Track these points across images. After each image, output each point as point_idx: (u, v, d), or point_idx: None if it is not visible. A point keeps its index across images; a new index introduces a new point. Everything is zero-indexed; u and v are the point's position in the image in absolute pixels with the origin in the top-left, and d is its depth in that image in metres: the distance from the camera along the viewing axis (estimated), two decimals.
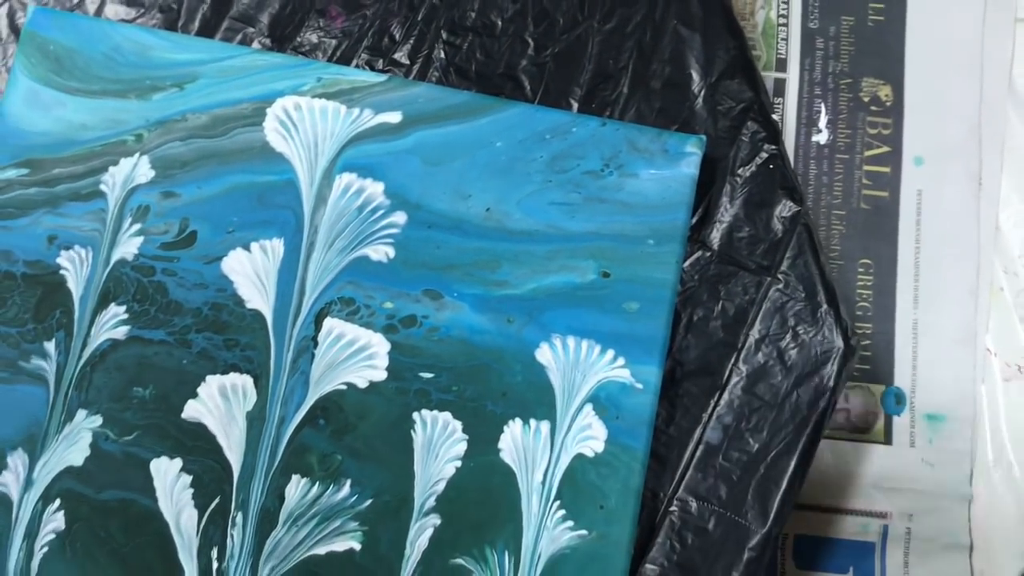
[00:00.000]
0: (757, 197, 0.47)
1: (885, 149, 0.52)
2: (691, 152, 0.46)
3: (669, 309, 0.44)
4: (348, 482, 0.43)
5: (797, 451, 0.45)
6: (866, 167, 0.52)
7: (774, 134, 0.48)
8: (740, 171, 0.48)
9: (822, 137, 0.52)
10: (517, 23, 0.49)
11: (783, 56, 0.53)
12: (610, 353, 0.44)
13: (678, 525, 0.45)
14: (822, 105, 0.52)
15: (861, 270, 0.51)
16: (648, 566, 0.45)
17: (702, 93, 0.48)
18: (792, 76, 0.53)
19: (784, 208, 0.47)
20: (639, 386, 0.44)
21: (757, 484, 0.45)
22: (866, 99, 0.52)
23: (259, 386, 0.44)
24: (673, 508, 0.45)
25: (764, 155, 0.48)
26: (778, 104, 0.52)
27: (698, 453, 0.45)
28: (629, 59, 0.49)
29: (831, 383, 0.46)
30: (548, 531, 0.43)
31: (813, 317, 0.46)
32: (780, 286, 0.46)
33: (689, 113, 0.48)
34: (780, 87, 0.53)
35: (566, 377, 0.44)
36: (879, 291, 0.51)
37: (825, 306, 0.46)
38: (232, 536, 0.43)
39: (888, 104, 0.52)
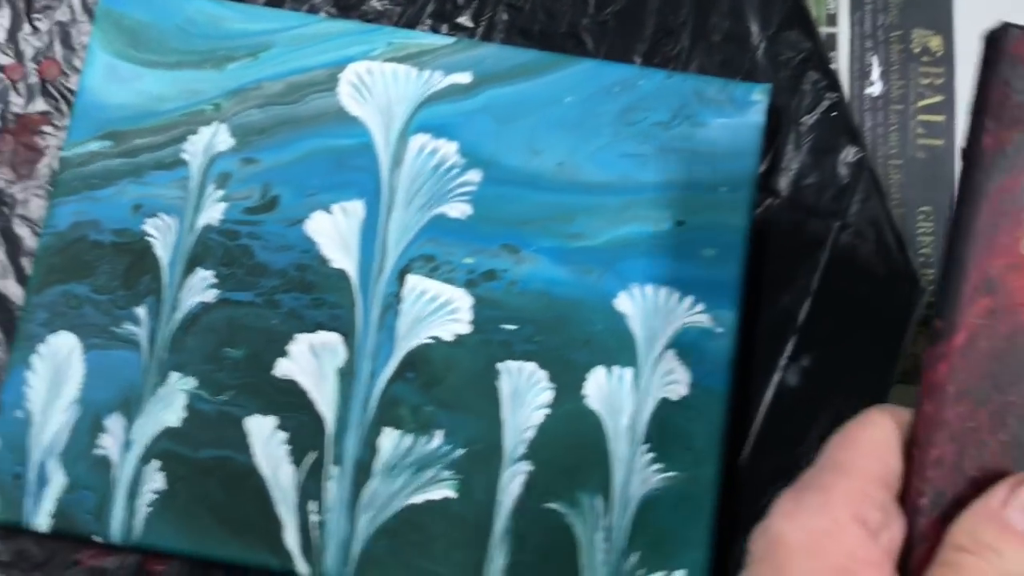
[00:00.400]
0: (822, 144, 0.48)
1: (938, 98, 0.53)
2: (758, 100, 0.47)
3: (744, 254, 0.46)
4: (440, 432, 0.44)
5: (871, 393, 0.46)
6: (920, 117, 0.53)
7: (834, 83, 0.49)
8: (804, 119, 0.49)
9: (875, 89, 0.53)
10: None
11: (833, 11, 0.54)
12: (688, 299, 0.45)
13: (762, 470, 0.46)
14: (874, 58, 0.53)
15: (921, 217, 0.52)
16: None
17: (762, 45, 0.49)
18: (843, 30, 0.54)
19: (848, 154, 0.48)
20: (719, 330, 0.45)
21: (835, 427, 0.46)
22: (917, 50, 0.53)
23: (348, 343, 0.45)
24: (755, 453, 0.46)
25: (826, 103, 0.49)
26: (831, 58, 0.53)
27: (777, 396, 0.46)
28: (689, 14, 0.50)
29: (903, 326, 0.47)
30: (638, 474, 0.44)
31: (883, 260, 0.47)
32: (849, 230, 0.48)
33: (751, 65, 0.49)
34: (831, 42, 0.53)
35: (646, 324, 0.45)
36: (941, 237, 0.51)
37: (894, 249, 0.47)
38: (329, 489, 0.44)
39: (939, 54, 0.53)
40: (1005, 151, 0.32)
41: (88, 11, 0.50)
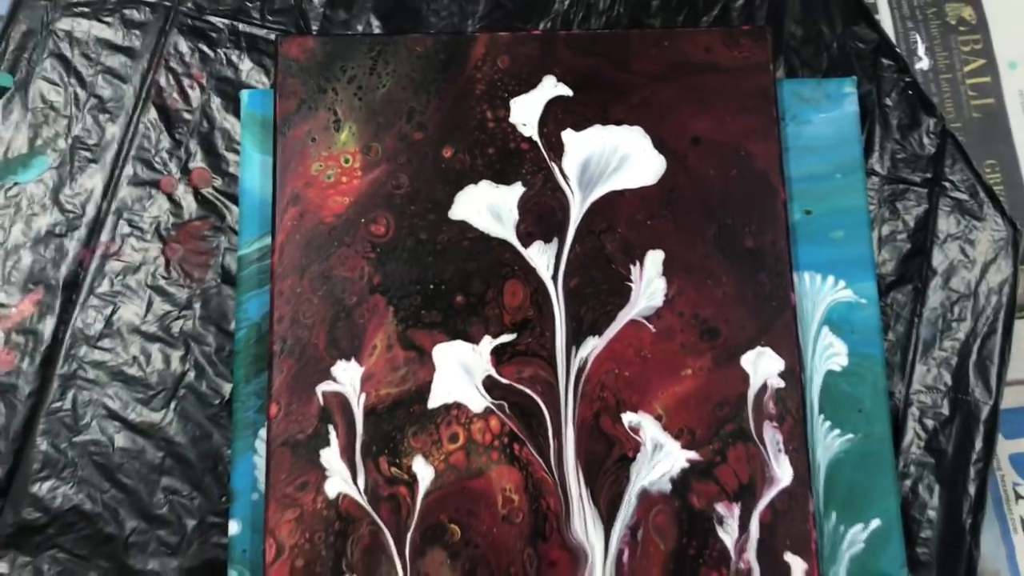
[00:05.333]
0: (906, 120, 0.56)
1: (981, 62, 0.60)
2: (849, 92, 0.54)
3: (869, 230, 0.52)
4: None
5: (999, 330, 0.53)
6: (968, 81, 0.60)
7: (904, 65, 0.56)
8: (886, 101, 0.56)
9: (924, 64, 0.60)
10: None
11: (872, 0, 0.61)
12: (831, 279, 0.52)
13: (918, 415, 0.52)
14: (917, 35, 0.60)
15: (988, 169, 0.59)
16: (903, 456, 0.52)
17: (834, 43, 0.57)
18: (884, 15, 0.61)
19: (929, 125, 0.55)
20: (863, 301, 0.52)
21: (975, 365, 0.53)
22: (953, 21, 0.61)
23: None
24: (911, 402, 0.53)
25: (902, 84, 0.56)
26: None
27: (918, 351, 0.53)
28: (766, 25, 0.56)
29: (1011, 266, 0.54)
30: (821, 442, 0.50)
31: (981, 212, 0.54)
32: (947, 192, 0.55)
33: (829, 62, 0.56)
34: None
35: (799, 307, 0.51)
36: (1009, 185, 0.59)
37: (987, 202, 0.54)
38: None
39: (973, 22, 0.61)
40: (289, 114, 0.52)
41: (225, 119, 0.55)
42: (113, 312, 0.53)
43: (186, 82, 0.56)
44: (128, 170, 0.55)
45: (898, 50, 0.58)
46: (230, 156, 0.55)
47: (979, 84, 0.60)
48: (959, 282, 0.54)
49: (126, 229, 0.54)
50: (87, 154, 0.55)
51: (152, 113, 0.56)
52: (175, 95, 0.56)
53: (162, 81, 0.56)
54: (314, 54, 0.53)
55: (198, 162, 0.55)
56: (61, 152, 0.55)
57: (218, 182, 0.55)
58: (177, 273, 0.54)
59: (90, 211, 0.55)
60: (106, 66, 0.56)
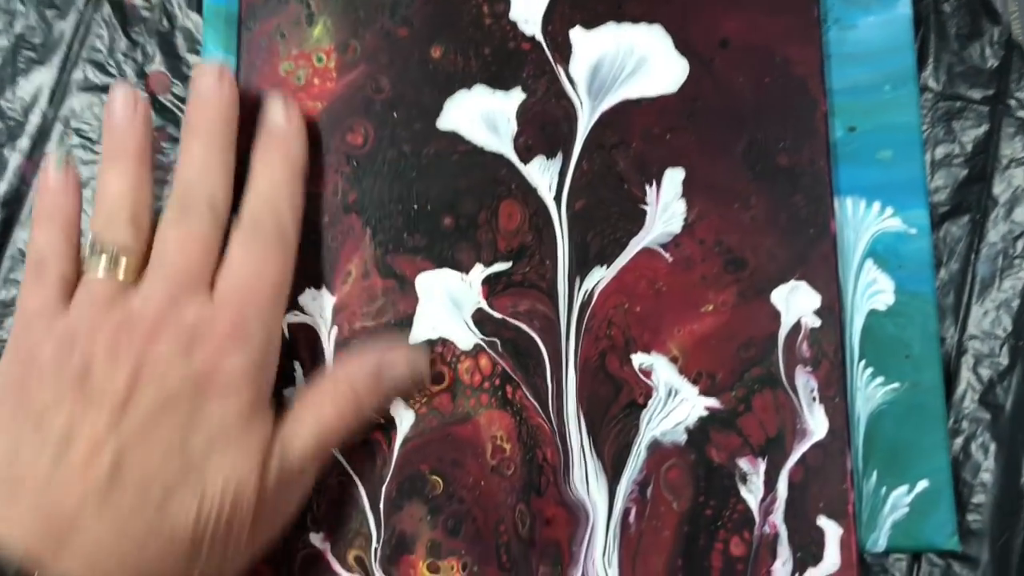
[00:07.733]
0: (965, 29, 0.50)
1: None
2: None
3: (921, 150, 0.47)
4: None
5: None
6: None
7: None
8: (943, 7, 0.50)
9: None
10: None
11: None
12: (876, 205, 0.47)
13: (973, 364, 0.48)
14: None
15: None
16: (955, 410, 0.47)
17: None
18: None
19: (993, 34, 0.50)
20: (913, 231, 0.47)
21: None
22: None
23: None
24: (965, 349, 0.48)
25: None
26: None
27: (975, 291, 0.48)
28: None
29: None
30: (861, 392, 0.45)
31: None
32: (1011, 111, 0.49)
33: None
34: None
35: (840, 237, 0.46)
36: None
37: None
38: None
39: None
40: (255, 6, 0.47)
41: (188, 16, 0.50)
42: None
43: None
44: (78, 73, 0.50)
45: None
46: (192, 59, 0.50)
47: None
48: (1023, 214, 0.49)
49: (74, 140, 0.50)
50: (31, 54, 0.51)
51: (106, 9, 0.51)
52: None
53: None
54: None
55: (156, 65, 0.50)
56: (2, 51, 0.51)
57: (178, 88, 0.50)
58: None
59: (34, 119, 0.50)
60: None
